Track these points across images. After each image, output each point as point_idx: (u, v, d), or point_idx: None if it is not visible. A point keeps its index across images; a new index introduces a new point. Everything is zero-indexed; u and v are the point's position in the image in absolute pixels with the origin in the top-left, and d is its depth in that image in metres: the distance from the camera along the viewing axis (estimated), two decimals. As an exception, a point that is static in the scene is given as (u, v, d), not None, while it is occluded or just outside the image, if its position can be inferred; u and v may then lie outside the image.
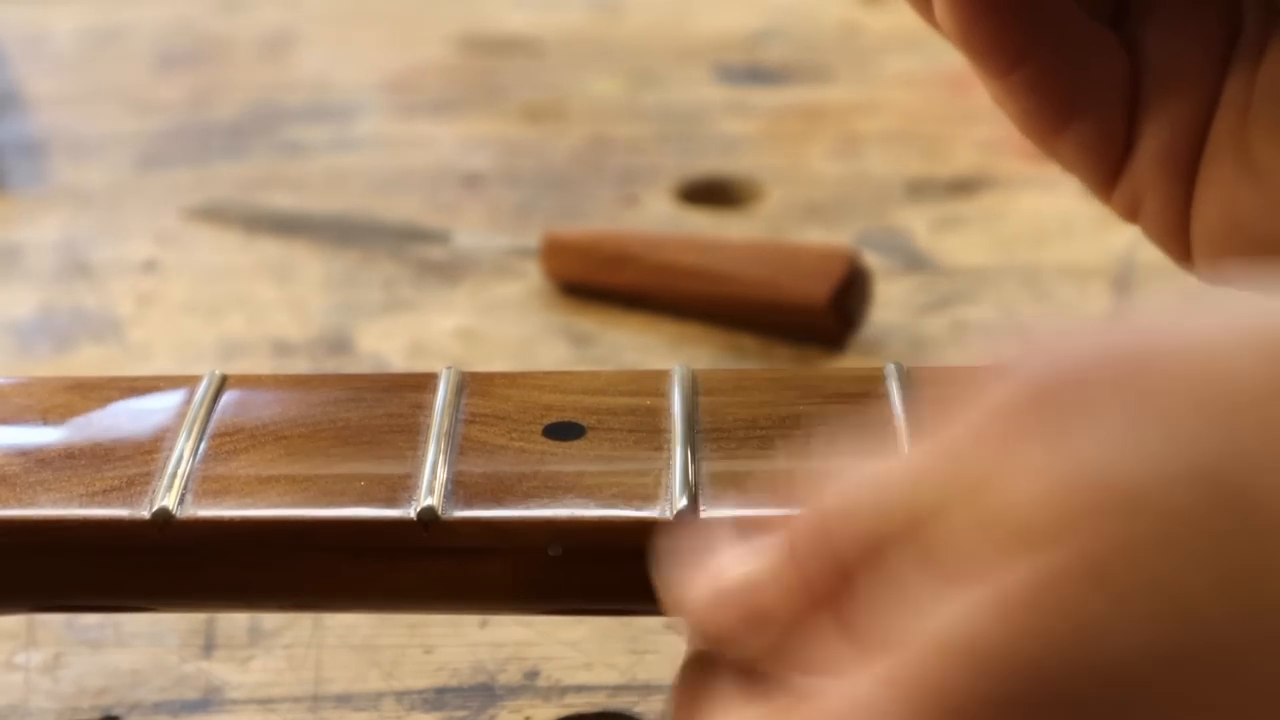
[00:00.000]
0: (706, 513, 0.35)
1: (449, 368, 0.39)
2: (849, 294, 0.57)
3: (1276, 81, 0.38)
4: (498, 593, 0.36)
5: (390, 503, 0.35)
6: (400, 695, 0.44)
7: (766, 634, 0.30)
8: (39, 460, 0.37)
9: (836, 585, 0.29)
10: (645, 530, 0.35)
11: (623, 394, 0.38)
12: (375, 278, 0.61)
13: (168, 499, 0.35)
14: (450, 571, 0.36)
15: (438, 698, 0.44)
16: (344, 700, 0.44)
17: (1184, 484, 0.26)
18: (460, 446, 0.37)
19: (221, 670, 0.45)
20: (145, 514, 0.35)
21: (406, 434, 0.37)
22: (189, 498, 0.35)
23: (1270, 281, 0.29)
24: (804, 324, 0.57)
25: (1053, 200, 0.65)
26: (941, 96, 0.72)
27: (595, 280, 0.60)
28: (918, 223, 0.64)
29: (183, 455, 0.36)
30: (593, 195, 0.65)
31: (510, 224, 0.64)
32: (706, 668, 0.31)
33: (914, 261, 0.62)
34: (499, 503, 0.35)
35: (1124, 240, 0.63)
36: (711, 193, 0.67)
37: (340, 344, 0.58)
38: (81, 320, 0.59)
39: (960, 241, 0.63)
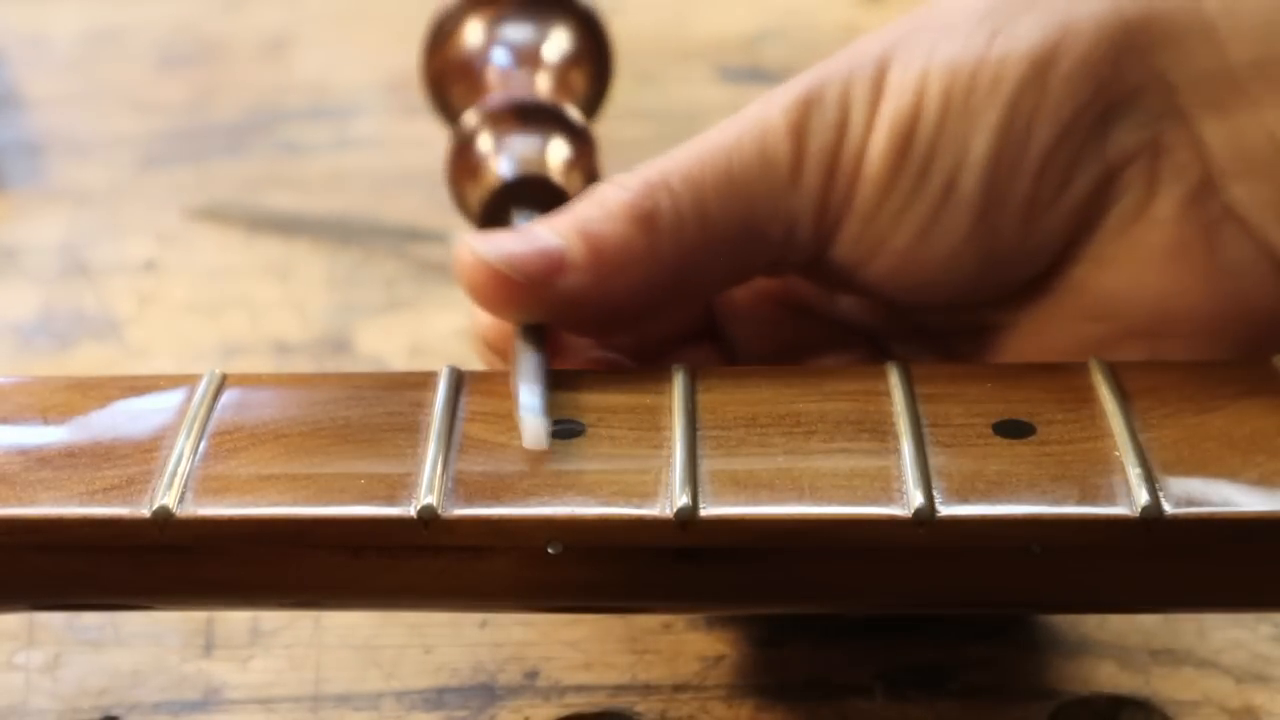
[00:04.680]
0: (706, 511, 0.35)
1: (449, 366, 0.39)
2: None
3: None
4: (498, 591, 0.36)
5: (390, 501, 0.35)
6: (400, 695, 0.44)
7: None
8: (39, 459, 0.37)
9: None
10: (645, 529, 0.35)
11: (623, 392, 0.38)
12: (375, 278, 0.61)
13: (168, 498, 0.35)
14: (450, 569, 0.36)
15: (438, 698, 0.44)
16: (344, 700, 0.44)
17: None
18: (460, 445, 0.37)
19: (221, 670, 0.45)
20: (145, 513, 0.35)
21: (406, 432, 0.37)
22: (189, 496, 0.36)
23: None
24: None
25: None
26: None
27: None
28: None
29: (183, 454, 0.36)
30: (593, 195, 0.65)
31: (510, 224, 0.64)
32: None
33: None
34: (499, 501, 0.35)
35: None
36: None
37: (340, 344, 0.58)
38: (81, 320, 0.59)
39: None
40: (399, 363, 0.57)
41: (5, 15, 0.79)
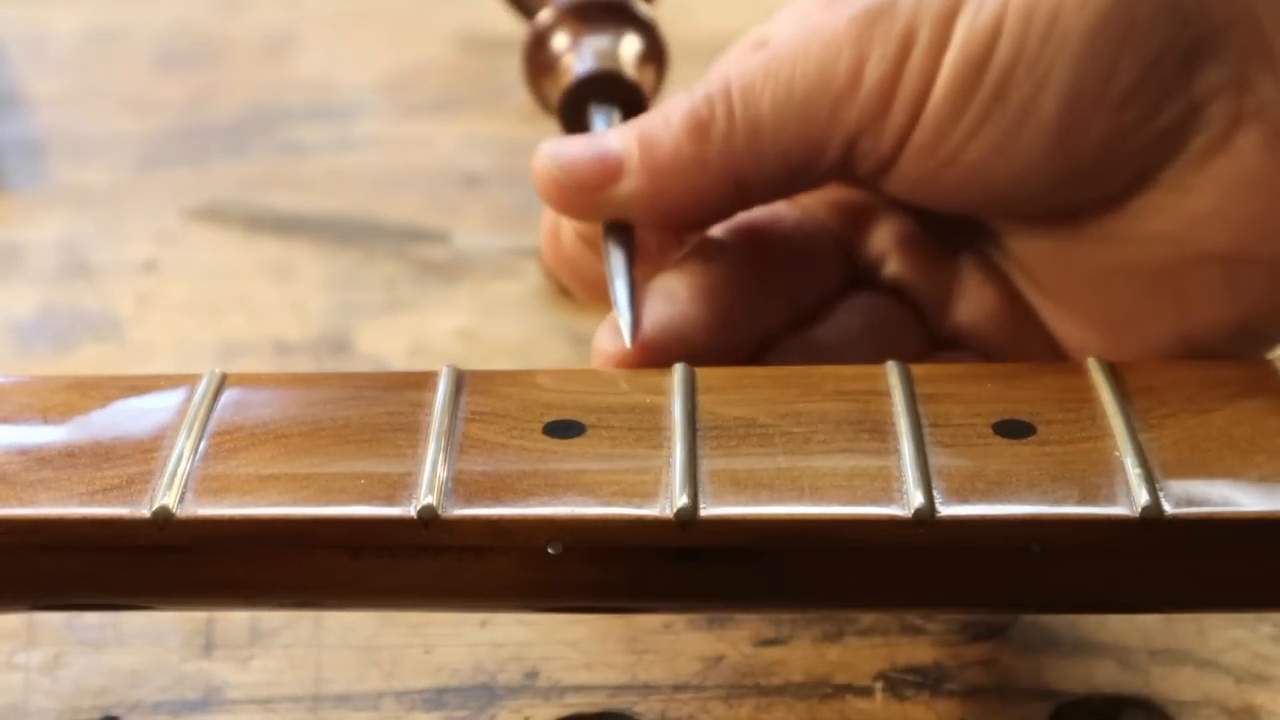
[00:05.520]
0: (706, 511, 0.35)
1: (449, 366, 0.39)
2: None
3: None
4: (498, 591, 0.36)
5: (390, 501, 0.35)
6: (400, 695, 0.44)
7: None
8: (39, 459, 0.37)
9: None
10: (645, 529, 0.35)
11: (623, 392, 0.38)
12: (375, 278, 0.61)
13: (168, 498, 0.35)
14: (450, 569, 0.36)
15: (438, 698, 0.44)
16: (344, 700, 0.44)
17: None
18: (460, 445, 0.37)
19: (221, 670, 0.45)
20: (145, 513, 0.35)
21: (406, 432, 0.37)
22: (189, 496, 0.35)
23: None
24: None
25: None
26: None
27: (595, 280, 0.60)
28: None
29: (183, 454, 0.36)
30: (593, 195, 0.65)
31: (510, 224, 0.64)
32: None
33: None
34: (499, 501, 0.35)
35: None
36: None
37: (340, 344, 0.58)
38: (81, 320, 0.59)
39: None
40: (399, 363, 0.57)
41: (5, 15, 0.79)
